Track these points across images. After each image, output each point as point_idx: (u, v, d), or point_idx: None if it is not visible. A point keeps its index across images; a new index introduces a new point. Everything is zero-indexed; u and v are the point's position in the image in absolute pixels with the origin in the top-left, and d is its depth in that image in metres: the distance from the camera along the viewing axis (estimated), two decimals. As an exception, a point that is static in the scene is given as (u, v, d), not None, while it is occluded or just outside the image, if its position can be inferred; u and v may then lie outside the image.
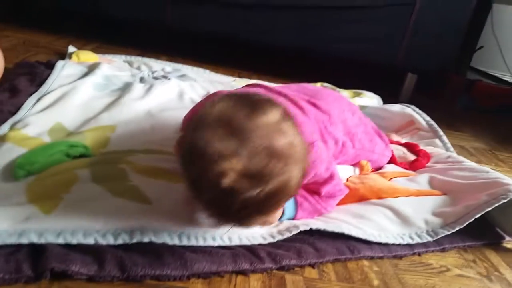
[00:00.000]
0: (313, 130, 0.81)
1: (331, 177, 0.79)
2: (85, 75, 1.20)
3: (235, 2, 1.64)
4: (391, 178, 0.97)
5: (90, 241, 0.62)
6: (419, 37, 1.70)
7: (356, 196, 0.88)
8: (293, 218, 0.78)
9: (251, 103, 0.60)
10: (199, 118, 0.60)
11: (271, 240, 0.72)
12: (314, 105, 0.89)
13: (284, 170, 0.58)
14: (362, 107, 1.37)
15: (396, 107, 1.38)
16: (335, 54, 1.76)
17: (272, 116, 0.59)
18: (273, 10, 1.66)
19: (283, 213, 0.76)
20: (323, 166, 0.77)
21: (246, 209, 0.58)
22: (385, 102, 1.61)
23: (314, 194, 0.80)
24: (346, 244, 0.76)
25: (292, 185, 0.60)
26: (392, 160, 1.09)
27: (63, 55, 1.49)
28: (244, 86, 0.98)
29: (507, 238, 0.90)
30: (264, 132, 0.57)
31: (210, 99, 0.66)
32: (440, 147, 1.20)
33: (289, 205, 0.77)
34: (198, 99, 1.23)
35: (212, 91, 1.31)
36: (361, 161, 0.98)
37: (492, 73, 2.40)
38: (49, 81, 1.10)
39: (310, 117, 0.84)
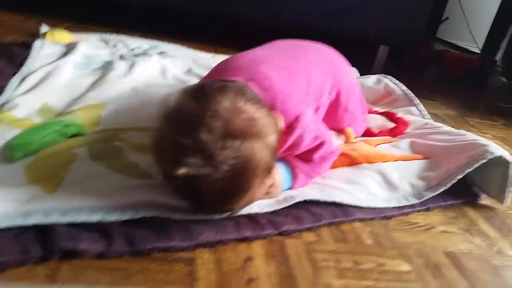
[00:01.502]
0: (300, 100, 0.82)
1: (322, 144, 0.82)
2: (64, 54, 1.17)
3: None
4: (377, 145, 1.01)
5: (96, 218, 0.63)
6: (390, 8, 1.74)
7: (347, 160, 0.91)
8: (290, 188, 0.81)
9: (203, 94, 0.63)
10: (161, 114, 0.64)
11: (268, 209, 0.74)
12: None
13: (242, 148, 0.60)
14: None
15: (373, 79, 1.42)
16: (308, 27, 1.77)
17: (224, 100, 0.62)
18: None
19: None
20: (310, 136, 0.80)
21: (216, 193, 0.61)
22: (359, 74, 1.65)
23: (308, 161, 0.82)
24: (339, 208, 0.80)
25: (257, 160, 0.62)
26: (368, 132, 1.12)
27: (34, 36, 1.43)
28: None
29: (483, 196, 0.96)
30: (217, 117, 0.59)
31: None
32: (417, 115, 1.25)
33: (286, 178, 0.79)
34: (180, 75, 1.23)
35: (193, 68, 1.31)
36: (347, 129, 1.02)
37: (459, 44, 2.48)
38: (29, 61, 1.07)
39: (300, 83, 0.85)
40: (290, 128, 0.76)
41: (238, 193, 0.63)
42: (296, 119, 0.77)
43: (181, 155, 0.58)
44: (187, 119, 0.60)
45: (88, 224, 0.62)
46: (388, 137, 1.08)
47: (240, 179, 0.61)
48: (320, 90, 0.93)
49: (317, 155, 0.82)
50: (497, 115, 1.64)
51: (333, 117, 1.00)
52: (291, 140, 0.77)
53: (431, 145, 1.00)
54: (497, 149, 0.89)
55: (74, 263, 0.57)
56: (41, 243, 0.58)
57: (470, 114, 1.59)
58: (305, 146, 0.79)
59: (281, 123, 0.71)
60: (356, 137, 1.08)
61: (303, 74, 0.88)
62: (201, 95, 0.63)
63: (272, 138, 0.65)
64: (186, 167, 0.58)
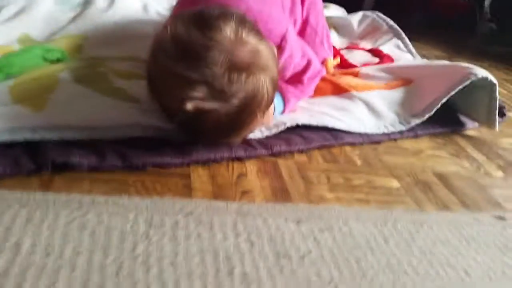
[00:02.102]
0: (280, 16, 0.79)
1: (308, 64, 0.81)
2: (42, -12, 1.12)
3: None
4: (358, 73, 1.01)
5: (84, 135, 0.62)
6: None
7: (334, 88, 0.91)
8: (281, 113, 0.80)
9: (204, 22, 0.59)
10: (157, 45, 0.60)
11: (259, 135, 0.74)
12: None
13: (249, 81, 0.58)
14: (328, 18, 1.38)
15: (360, 15, 1.41)
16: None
17: (227, 29, 0.58)
18: None
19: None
20: (299, 54, 0.79)
21: (220, 127, 0.60)
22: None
23: (297, 83, 0.81)
24: (330, 132, 0.80)
25: (262, 94, 0.60)
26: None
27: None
28: None
29: (471, 125, 0.97)
30: (222, 48, 0.56)
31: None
32: (402, 48, 1.25)
33: (278, 103, 0.78)
34: (164, 11, 1.19)
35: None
36: (327, 59, 1.00)
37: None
38: (3, -7, 1.03)
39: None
40: (278, 49, 0.75)
41: (240, 127, 0.63)
42: (283, 38, 0.75)
43: (188, 90, 0.55)
44: (191, 51, 0.57)
45: (78, 142, 0.61)
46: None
47: (245, 113, 0.60)
48: (292, 1, 0.88)
49: (306, 77, 0.81)
50: (484, 59, 1.64)
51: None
52: (281, 62, 0.75)
53: (414, 67, 1.01)
54: (481, 71, 0.88)
55: (68, 175, 0.57)
56: (31, 156, 0.57)
57: (457, 56, 1.60)
58: (293, 67, 0.78)
59: (275, 51, 0.68)
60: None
61: None
62: (203, 24, 0.58)
63: (274, 70, 0.63)
64: (195, 101, 0.55)
